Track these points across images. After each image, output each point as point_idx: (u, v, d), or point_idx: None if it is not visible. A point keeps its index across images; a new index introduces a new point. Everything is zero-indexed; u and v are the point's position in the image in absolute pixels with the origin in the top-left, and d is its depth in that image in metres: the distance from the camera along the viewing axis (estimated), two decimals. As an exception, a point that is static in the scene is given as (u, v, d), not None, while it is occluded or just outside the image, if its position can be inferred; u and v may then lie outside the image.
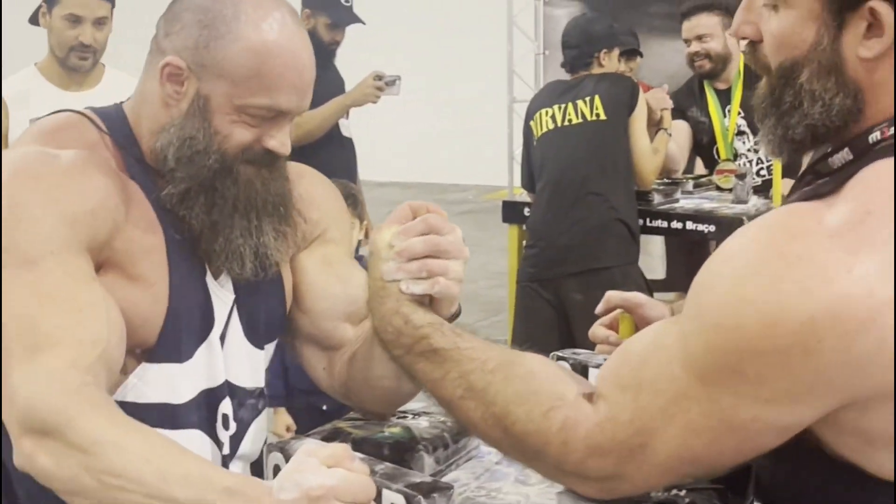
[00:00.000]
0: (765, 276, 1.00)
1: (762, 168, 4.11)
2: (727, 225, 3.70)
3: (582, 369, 1.61)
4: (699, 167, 4.46)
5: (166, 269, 1.37)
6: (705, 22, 4.06)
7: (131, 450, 1.11)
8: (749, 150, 4.15)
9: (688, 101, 4.19)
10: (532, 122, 3.93)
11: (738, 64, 4.12)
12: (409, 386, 1.42)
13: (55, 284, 1.21)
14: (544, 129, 3.88)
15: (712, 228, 3.75)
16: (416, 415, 1.57)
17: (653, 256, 5.23)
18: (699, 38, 4.08)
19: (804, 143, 1.13)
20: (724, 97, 4.16)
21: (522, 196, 5.05)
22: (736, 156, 4.15)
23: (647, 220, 3.91)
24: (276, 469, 1.26)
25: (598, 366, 1.57)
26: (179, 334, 1.39)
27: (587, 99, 3.78)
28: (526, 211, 4.19)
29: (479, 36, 10.24)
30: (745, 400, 1.03)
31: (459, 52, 11.07)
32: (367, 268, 1.29)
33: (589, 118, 3.76)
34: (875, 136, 1.08)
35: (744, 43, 1.20)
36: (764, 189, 3.98)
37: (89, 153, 1.34)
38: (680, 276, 5.06)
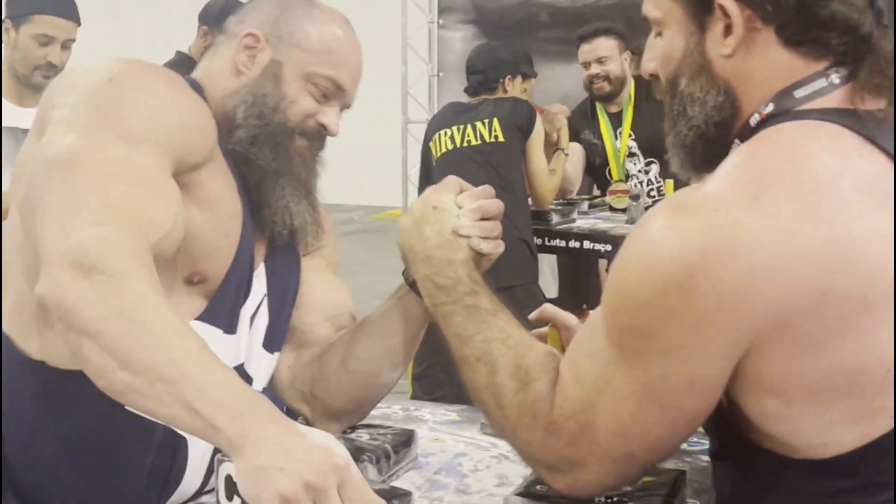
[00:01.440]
0: (643, 233, 1.08)
1: (652, 189, 4.27)
2: (622, 245, 3.81)
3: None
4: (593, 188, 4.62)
5: (241, 211, 1.46)
6: (604, 45, 4.22)
7: (164, 327, 1.09)
8: (640, 172, 4.31)
9: (581, 124, 4.33)
10: (431, 143, 4.01)
11: (629, 88, 4.29)
12: (387, 377, 1.56)
13: (145, 167, 1.26)
14: (443, 150, 3.95)
15: (609, 248, 3.87)
16: (354, 429, 1.60)
17: (545, 275, 5.35)
18: (599, 60, 4.23)
19: (695, 148, 1.20)
20: (616, 120, 4.32)
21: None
22: (627, 177, 4.30)
23: (546, 239, 4.01)
24: (228, 479, 1.27)
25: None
26: (240, 284, 1.46)
27: (486, 121, 3.87)
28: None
29: (373, 57, 10.25)
30: (649, 357, 1.07)
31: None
32: (427, 220, 1.36)
33: (487, 140, 3.85)
34: (754, 119, 1.16)
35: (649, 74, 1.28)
36: (656, 210, 4.12)
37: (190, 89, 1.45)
38: (571, 294, 5.21)
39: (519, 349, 1.24)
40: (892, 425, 1.06)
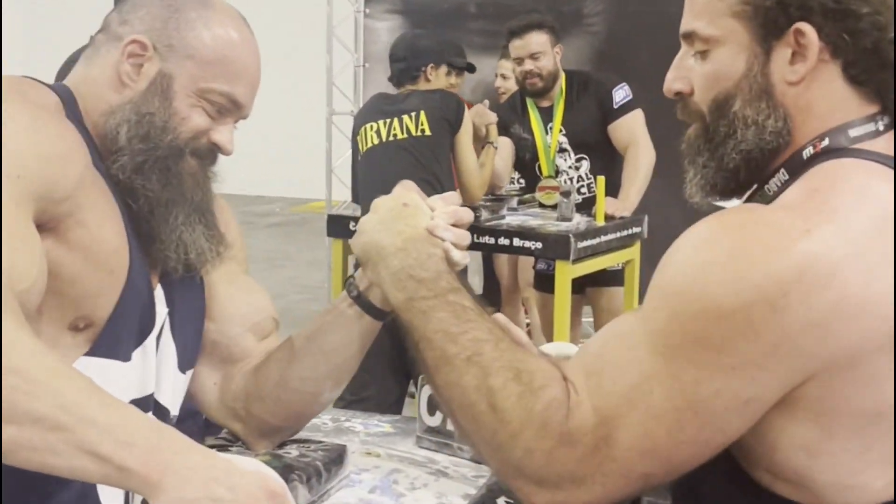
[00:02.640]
0: (726, 241, 1.04)
1: (583, 185, 4.21)
2: (553, 242, 3.76)
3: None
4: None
5: (126, 242, 1.31)
6: (536, 40, 4.12)
7: (46, 371, 0.96)
8: (570, 168, 4.24)
9: (510, 118, 4.24)
10: (358, 137, 3.91)
11: (560, 83, 4.21)
12: (329, 395, 1.47)
13: (5, 208, 1.10)
14: (369, 145, 3.86)
15: (539, 245, 3.79)
16: (283, 444, 1.50)
17: (470, 272, 5.28)
18: (531, 56, 4.13)
19: (738, 171, 1.17)
20: (547, 115, 4.23)
21: (349, 209, 5.01)
22: (557, 172, 4.24)
23: (475, 236, 3.92)
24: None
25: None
26: (131, 320, 1.32)
27: (413, 114, 3.78)
28: (352, 225, 4.14)
29: (297, 47, 10.09)
30: (709, 371, 1.02)
31: (277, 64, 10.90)
32: (397, 216, 1.29)
33: (414, 134, 3.76)
34: (808, 151, 1.14)
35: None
36: (586, 206, 4.07)
37: (59, 106, 1.31)
38: (495, 291, 5.15)
39: (517, 353, 1.15)
40: None
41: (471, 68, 4.04)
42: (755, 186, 1.20)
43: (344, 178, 5.74)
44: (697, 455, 1.07)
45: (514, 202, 4.25)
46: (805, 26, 1.11)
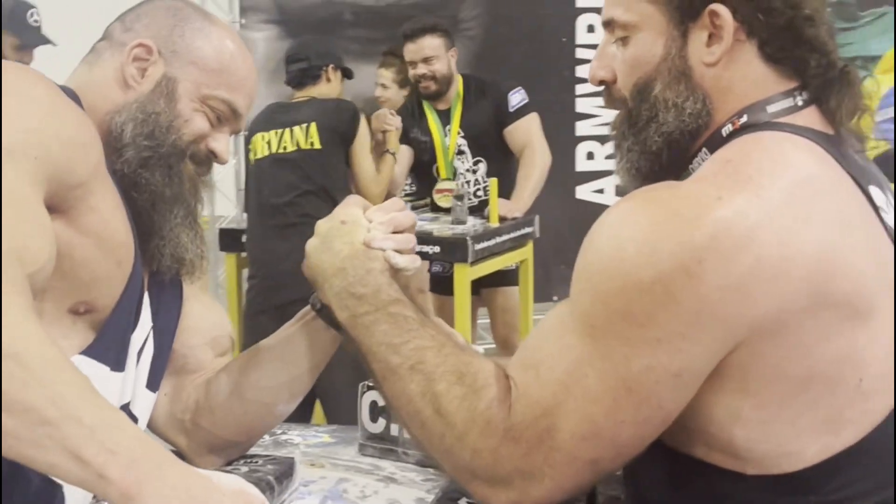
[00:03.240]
0: (642, 216, 1.04)
1: (479, 189, 4.22)
2: (450, 245, 3.76)
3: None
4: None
5: (132, 237, 1.30)
6: (430, 43, 4.10)
7: (42, 360, 0.91)
8: (468, 171, 4.24)
9: (408, 123, 4.21)
10: (249, 146, 3.85)
11: (457, 86, 4.21)
12: (284, 407, 1.45)
13: (19, 189, 1.06)
14: (259, 155, 3.81)
15: (437, 249, 3.78)
16: (231, 462, 1.45)
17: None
18: (425, 60, 4.11)
19: (661, 154, 1.18)
20: (445, 117, 4.22)
21: (234, 223, 4.91)
22: (455, 175, 4.24)
23: (370, 245, 3.88)
24: None
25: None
26: (129, 315, 1.30)
27: (304, 126, 3.74)
28: (244, 238, 4.06)
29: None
30: (636, 346, 1.03)
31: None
32: (336, 235, 1.29)
33: (303, 146, 3.73)
34: (727, 128, 1.15)
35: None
36: (479, 209, 4.08)
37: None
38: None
39: (460, 356, 1.17)
40: (855, 439, 1.06)
41: (349, 73, 4.01)
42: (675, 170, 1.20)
43: (227, 192, 5.63)
44: (640, 435, 1.07)
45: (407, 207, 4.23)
46: (720, 7, 1.14)
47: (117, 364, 1.30)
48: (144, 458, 0.88)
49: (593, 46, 5.30)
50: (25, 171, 1.09)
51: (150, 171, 1.32)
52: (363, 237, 1.29)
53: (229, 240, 4.30)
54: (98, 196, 1.24)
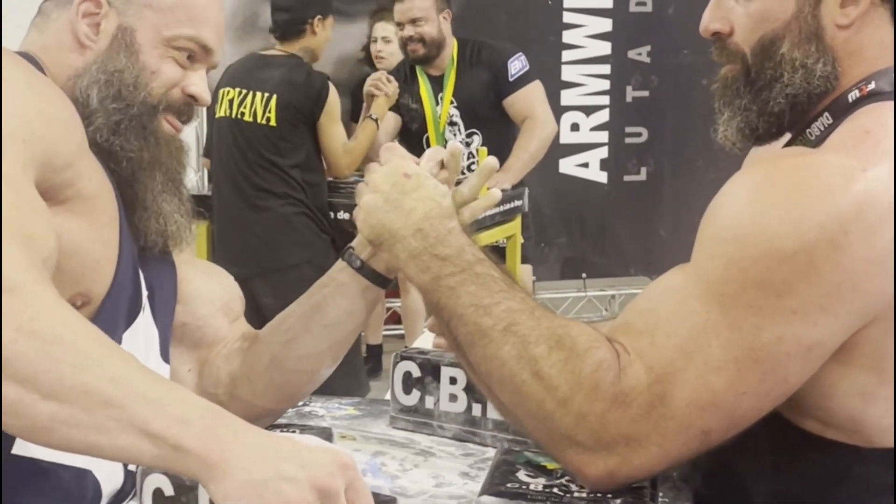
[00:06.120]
0: (783, 183, 1.03)
1: (473, 162, 4.00)
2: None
3: (433, 369, 1.46)
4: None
5: (117, 213, 1.23)
6: (419, 4, 3.90)
7: (90, 342, 0.87)
8: (461, 143, 4.07)
9: (399, 88, 4.03)
10: (217, 96, 3.71)
11: (451, 51, 4.03)
12: (325, 372, 1.40)
13: (14, 174, 1.00)
14: (220, 114, 3.71)
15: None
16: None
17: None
18: (413, 21, 3.92)
19: (783, 116, 1.16)
20: (437, 84, 4.04)
21: (201, 190, 4.73)
22: (446, 146, 4.07)
23: (345, 213, 3.71)
24: (157, 493, 1.02)
25: (450, 364, 1.43)
26: (124, 298, 1.23)
27: (265, 95, 3.61)
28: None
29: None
30: (770, 316, 1.01)
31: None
32: (403, 191, 1.23)
33: (259, 120, 3.62)
34: (853, 94, 1.12)
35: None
36: (468, 182, 3.93)
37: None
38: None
39: (554, 319, 1.12)
40: None
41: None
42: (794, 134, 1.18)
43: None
44: (758, 408, 1.05)
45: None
46: None
47: (117, 340, 1.23)
48: (219, 425, 0.85)
49: (582, 10, 5.18)
50: (16, 156, 1.02)
51: (123, 137, 1.24)
52: (434, 191, 1.23)
53: (201, 206, 4.13)
54: (84, 176, 1.17)
